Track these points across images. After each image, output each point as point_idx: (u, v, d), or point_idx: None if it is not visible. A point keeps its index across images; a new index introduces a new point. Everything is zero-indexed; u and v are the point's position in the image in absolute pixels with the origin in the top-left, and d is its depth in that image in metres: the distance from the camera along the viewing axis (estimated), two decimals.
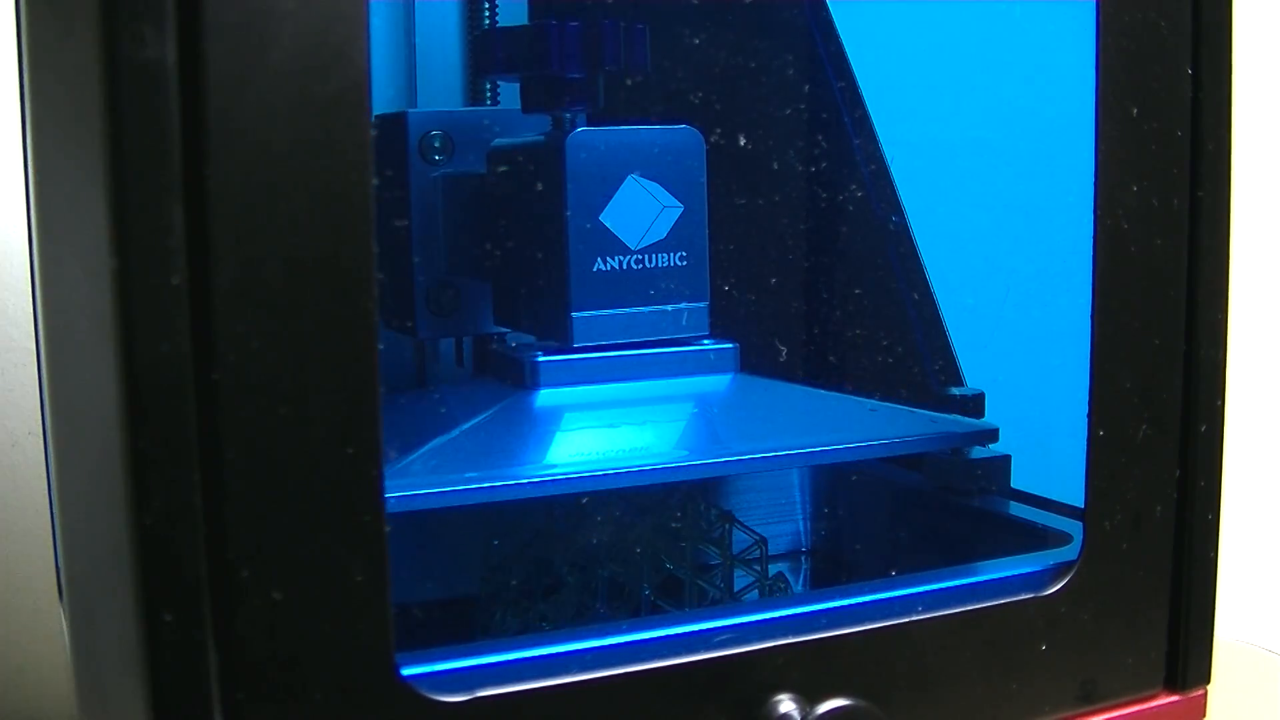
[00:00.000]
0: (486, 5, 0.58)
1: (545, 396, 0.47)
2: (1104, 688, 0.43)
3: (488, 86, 0.58)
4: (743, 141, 0.58)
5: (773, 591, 0.51)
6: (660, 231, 0.47)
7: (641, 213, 0.47)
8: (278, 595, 0.32)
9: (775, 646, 0.38)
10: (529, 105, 0.49)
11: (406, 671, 0.34)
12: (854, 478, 0.58)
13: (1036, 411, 0.54)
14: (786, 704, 0.38)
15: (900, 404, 0.53)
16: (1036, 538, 0.48)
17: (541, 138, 0.48)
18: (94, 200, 0.30)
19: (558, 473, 0.43)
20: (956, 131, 0.63)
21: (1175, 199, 0.42)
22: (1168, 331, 0.43)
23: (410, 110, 0.52)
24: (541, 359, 0.47)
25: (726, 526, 0.52)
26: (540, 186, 0.47)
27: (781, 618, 0.39)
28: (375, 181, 0.32)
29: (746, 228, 0.59)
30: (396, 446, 0.43)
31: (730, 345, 0.49)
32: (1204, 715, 0.45)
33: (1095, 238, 0.41)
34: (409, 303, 0.52)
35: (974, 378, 0.56)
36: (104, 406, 0.31)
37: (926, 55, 0.64)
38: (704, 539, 0.51)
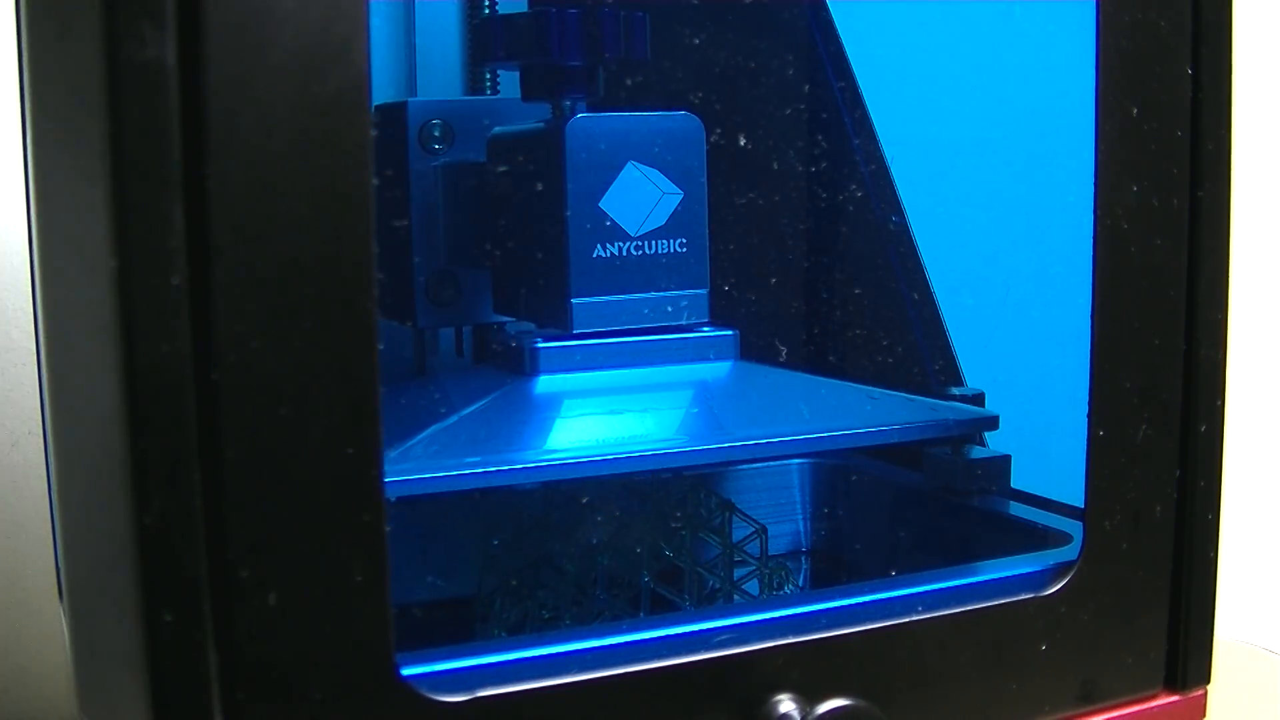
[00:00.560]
0: None
1: (545, 383, 0.47)
2: (1104, 688, 0.43)
3: (487, 75, 0.58)
4: (743, 141, 0.58)
5: (773, 579, 0.51)
6: (660, 218, 0.47)
7: (641, 199, 0.47)
8: (277, 595, 0.32)
9: (775, 646, 0.38)
10: (529, 94, 0.49)
11: (406, 671, 0.34)
12: (854, 478, 0.58)
13: (1037, 411, 0.54)
14: (786, 704, 0.38)
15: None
16: (1036, 538, 0.48)
17: (541, 125, 0.48)
18: (94, 200, 0.30)
19: (557, 458, 0.43)
20: (956, 131, 0.63)
21: (1175, 199, 0.42)
22: (1168, 331, 0.43)
23: (410, 99, 0.52)
24: (541, 345, 0.47)
25: (726, 515, 0.52)
26: (540, 173, 0.47)
27: (781, 618, 0.39)
28: (375, 179, 0.32)
29: (746, 228, 0.59)
30: (395, 433, 0.43)
31: (730, 332, 0.49)
32: (1204, 715, 0.45)
33: (1095, 238, 0.41)
34: (408, 293, 0.52)
35: (974, 378, 0.56)
36: (104, 406, 0.31)
37: (926, 55, 0.64)
38: (704, 527, 0.51)
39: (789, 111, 0.60)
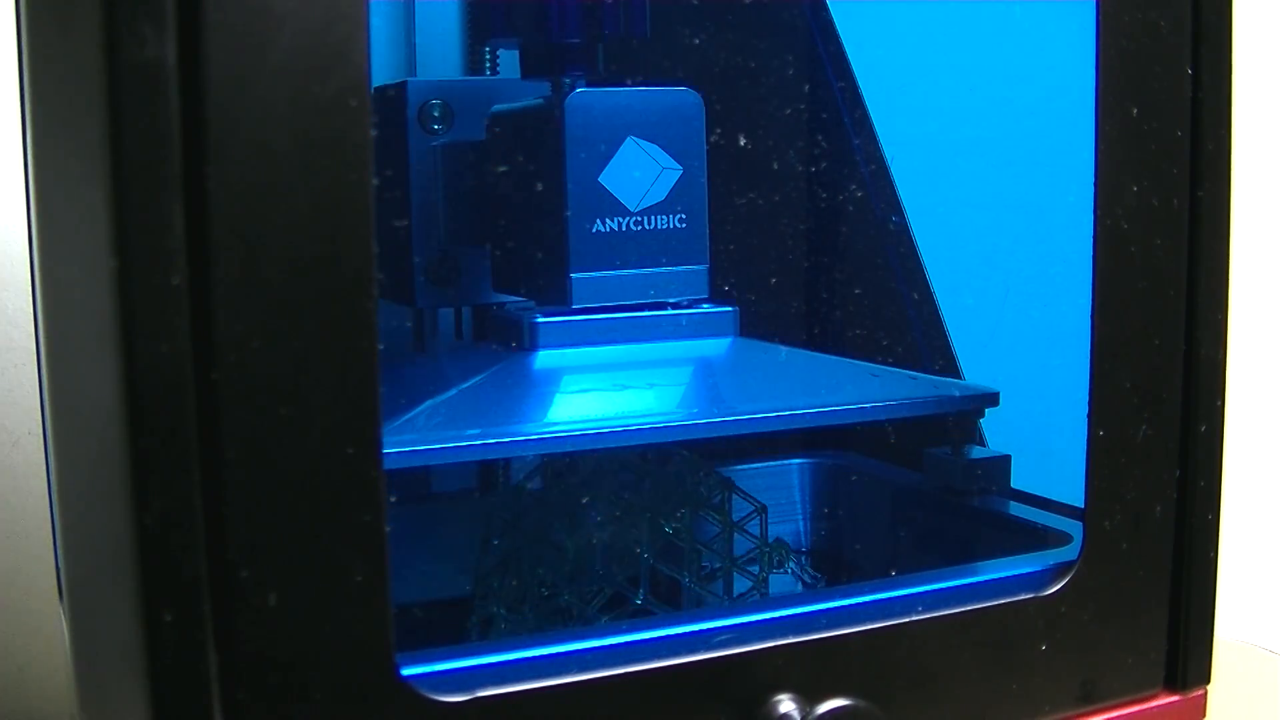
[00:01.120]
0: None
1: (543, 358, 0.46)
2: (1104, 688, 0.43)
3: (487, 54, 0.58)
4: (743, 141, 0.58)
5: (772, 557, 0.51)
6: (659, 193, 0.47)
7: (641, 174, 0.47)
8: (277, 595, 0.32)
9: (775, 646, 0.38)
10: (528, 72, 0.49)
11: (406, 671, 0.34)
12: (854, 478, 0.58)
13: (1037, 410, 0.54)
14: (786, 704, 0.38)
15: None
16: (1036, 538, 0.48)
17: (540, 101, 0.48)
18: (94, 200, 0.30)
19: (555, 430, 0.43)
20: (956, 131, 0.63)
21: (1175, 199, 0.42)
22: (1168, 331, 0.43)
23: (410, 80, 0.52)
24: (540, 320, 0.47)
25: (725, 494, 0.52)
26: (539, 149, 0.47)
27: (781, 618, 0.39)
28: (374, 160, 0.32)
29: (746, 228, 0.59)
30: (394, 406, 0.43)
31: (729, 308, 0.49)
32: (1204, 715, 0.45)
33: (1095, 238, 0.41)
34: (408, 273, 0.52)
35: (973, 378, 0.56)
36: (104, 406, 0.31)
37: (926, 55, 0.64)
38: (704, 505, 0.51)
39: (789, 112, 0.60)
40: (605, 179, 0.46)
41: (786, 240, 0.61)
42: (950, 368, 0.57)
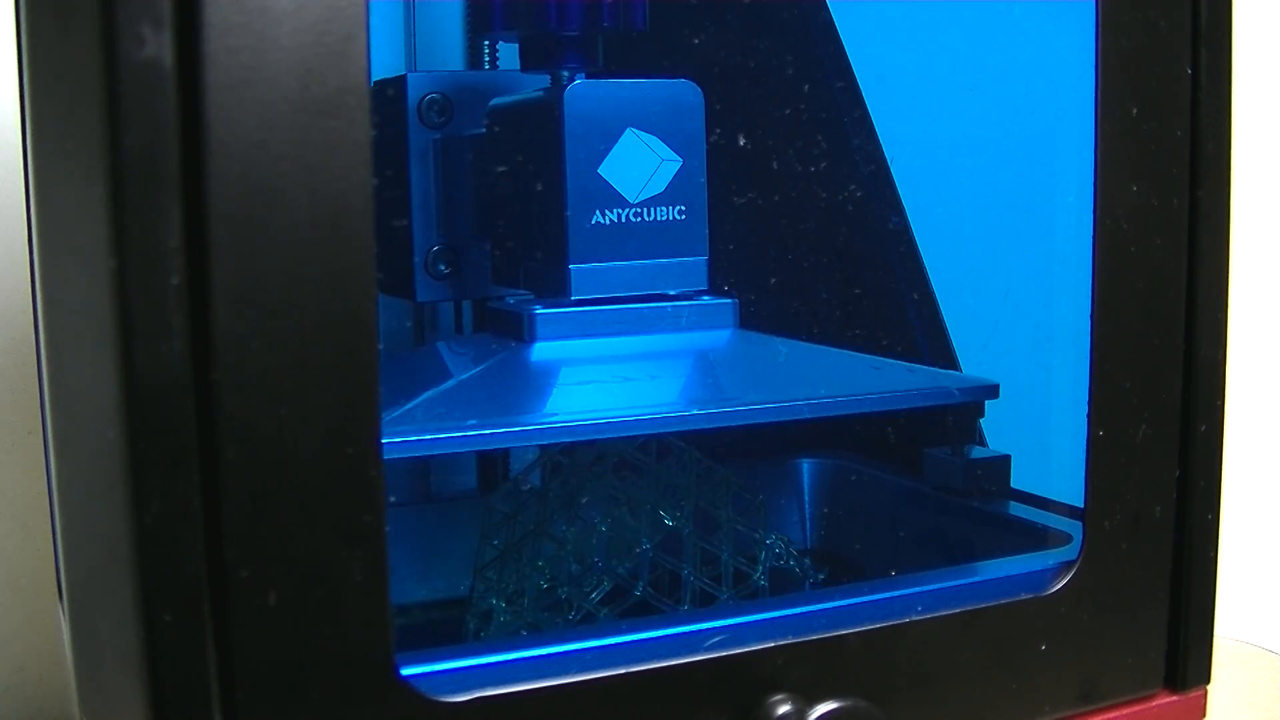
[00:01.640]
0: None
1: (542, 350, 0.46)
2: (1104, 688, 0.43)
3: (486, 46, 0.58)
4: (742, 141, 0.58)
5: (773, 551, 0.51)
6: (659, 185, 0.47)
7: (640, 166, 0.47)
8: (277, 595, 0.32)
9: (775, 646, 0.38)
10: (528, 64, 0.49)
11: (406, 671, 0.34)
12: (854, 478, 0.58)
13: (1037, 411, 0.54)
14: (786, 704, 0.38)
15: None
16: (1036, 538, 0.48)
17: (540, 93, 0.48)
18: (93, 200, 0.30)
19: (555, 421, 0.43)
20: (956, 130, 0.63)
21: (1175, 199, 0.42)
22: (1168, 331, 0.43)
23: (410, 73, 0.52)
24: (539, 311, 0.46)
25: (725, 487, 0.51)
26: (539, 140, 0.47)
27: (781, 618, 0.39)
28: (374, 154, 0.32)
29: (746, 228, 0.59)
30: (393, 398, 0.43)
31: (729, 300, 0.49)
32: (1204, 715, 0.45)
33: (1095, 237, 0.41)
34: (408, 267, 0.52)
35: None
36: (104, 406, 0.31)
37: (927, 55, 0.64)
38: (703, 498, 0.51)
39: (789, 112, 0.60)
40: (605, 171, 0.46)
41: (785, 239, 0.61)
42: (950, 368, 0.57)
